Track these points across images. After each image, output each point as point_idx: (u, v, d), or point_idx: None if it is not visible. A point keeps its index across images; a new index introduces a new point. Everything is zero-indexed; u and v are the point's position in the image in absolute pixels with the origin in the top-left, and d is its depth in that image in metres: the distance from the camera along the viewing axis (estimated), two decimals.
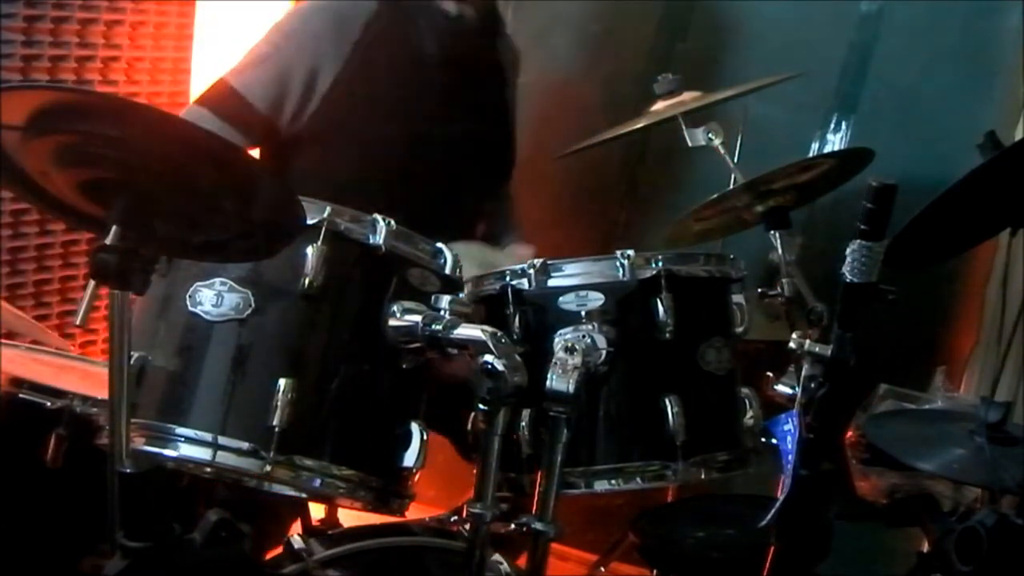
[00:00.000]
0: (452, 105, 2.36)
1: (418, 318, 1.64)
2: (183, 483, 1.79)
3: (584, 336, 1.75)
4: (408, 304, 1.66)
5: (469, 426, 1.83)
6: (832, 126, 2.86)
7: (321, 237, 1.62)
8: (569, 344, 1.67)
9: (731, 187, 2.16)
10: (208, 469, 1.68)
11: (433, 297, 1.69)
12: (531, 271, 1.83)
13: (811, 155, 2.78)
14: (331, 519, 2.42)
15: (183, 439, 1.60)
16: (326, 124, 2.27)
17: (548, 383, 1.61)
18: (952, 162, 2.40)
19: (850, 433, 1.98)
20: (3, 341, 2.20)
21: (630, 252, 1.83)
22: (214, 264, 1.62)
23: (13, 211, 2.63)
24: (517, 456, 1.80)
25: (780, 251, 2.09)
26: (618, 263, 1.82)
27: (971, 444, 1.78)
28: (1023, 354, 2.08)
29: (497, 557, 1.72)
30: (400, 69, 2.32)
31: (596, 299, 1.81)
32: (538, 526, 1.62)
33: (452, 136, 2.37)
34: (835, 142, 2.85)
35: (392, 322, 1.66)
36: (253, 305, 1.62)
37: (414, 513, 1.81)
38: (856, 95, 2.83)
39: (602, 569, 2.48)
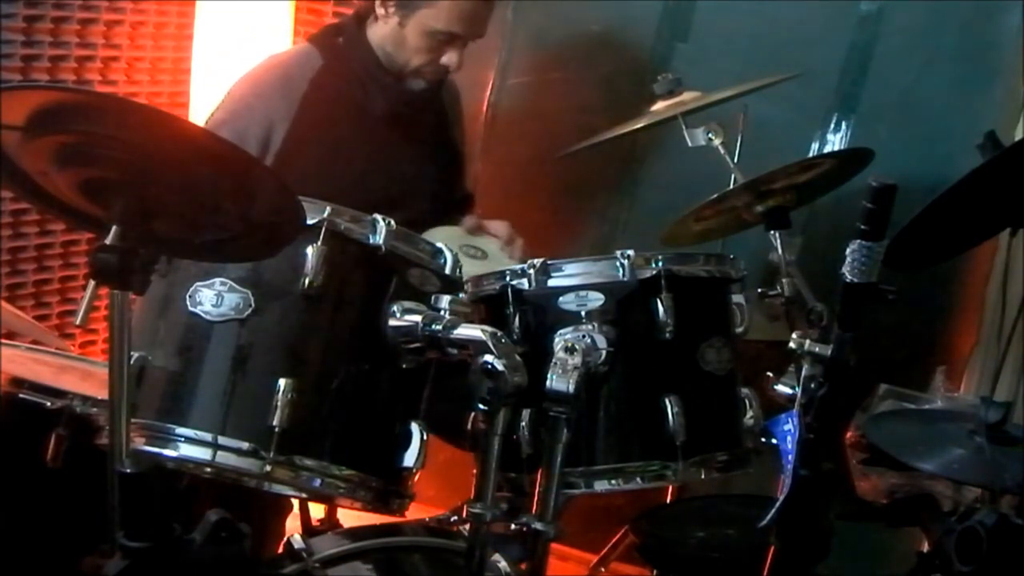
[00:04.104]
0: (399, 154, 2.46)
1: (418, 318, 1.64)
2: (183, 483, 1.79)
3: (584, 336, 1.75)
4: (408, 304, 1.66)
5: (469, 426, 1.83)
6: (832, 126, 2.85)
7: (321, 237, 1.62)
8: (569, 344, 1.67)
9: (731, 187, 2.16)
10: (208, 469, 1.68)
11: (433, 297, 1.69)
12: (531, 271, 1.83)
13: (811, 155, 2.78)
14: (331, 519, 2.42)
15: (183, 439, 1.61)
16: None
17: (548, 383, 1.61)
18: (952, 162, 2.41)
19: (850, 433, 1.98)
20: (3, 341, 2.20)
21: (630, 252, 1.83)
22: (214, 264, 1.62)
23: (13, 211, 2.63)
24: (517, 456, 1.80)
25: (780, 251, 2.09)
26: (618, 263, 1.82)
27: (971, 444, 1.78)
28: (1023, 354, 2.07)
29: (497, 557, 1.72)
30: (346, 123, 2.40)
31: (596, 299, 1.81)
32: (538, 526, 1.62)
33: (401, 181, 2.45)
34: (835, 142, 2.85)
35: (392, 322, 1.65)
36: (253, 305, 1.62)
37: (414, 513, 1.81)
38: (856, 95, 2.83)
39: (602, 569, 2.48)
